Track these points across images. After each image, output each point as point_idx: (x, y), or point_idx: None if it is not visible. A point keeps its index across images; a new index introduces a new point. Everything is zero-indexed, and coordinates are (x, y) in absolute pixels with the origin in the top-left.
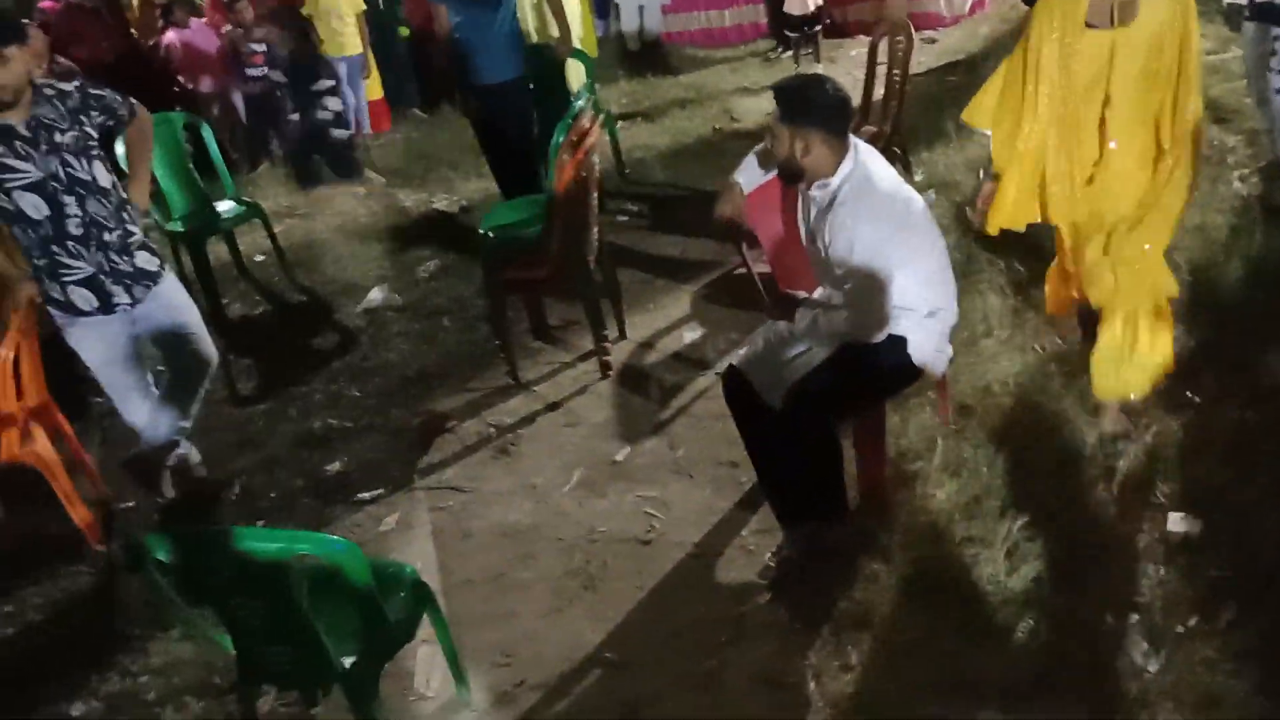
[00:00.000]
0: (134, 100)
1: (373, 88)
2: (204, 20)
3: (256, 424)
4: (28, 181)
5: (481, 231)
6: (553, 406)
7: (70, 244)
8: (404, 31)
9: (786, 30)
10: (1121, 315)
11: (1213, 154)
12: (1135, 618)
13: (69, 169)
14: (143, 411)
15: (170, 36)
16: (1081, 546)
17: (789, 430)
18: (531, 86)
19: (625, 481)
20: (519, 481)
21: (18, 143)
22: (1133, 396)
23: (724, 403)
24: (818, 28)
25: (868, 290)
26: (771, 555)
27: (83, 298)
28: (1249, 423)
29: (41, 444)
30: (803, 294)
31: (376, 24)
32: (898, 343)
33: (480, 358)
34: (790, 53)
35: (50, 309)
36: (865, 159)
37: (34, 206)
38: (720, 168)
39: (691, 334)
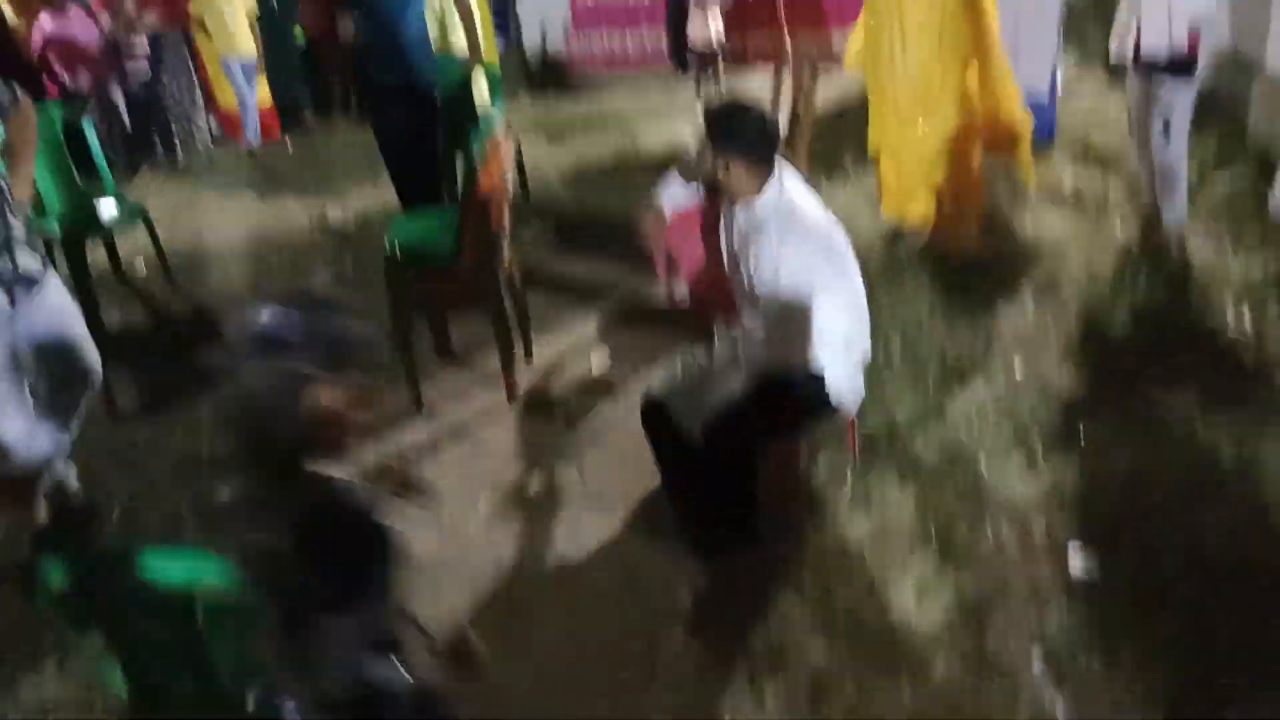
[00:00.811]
0: (17, 86)
1: (261, 96)
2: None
3: (138, 444)
4: None
5: (387, 242)
6: (459, 433)
7: None
8: (299, 36)
9: (689, 54)
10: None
11: (1096, 199)
12: (1041, 659)
13: None
14: (17, 425)
15: (45, 24)
16: (987, 584)
17: (707, 460)
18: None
19: (535, 511)
20: (424, 512)
21: None
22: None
23: (634, 431)
24: (719, 53)
25: (789, 315)
26: (685, 587)
27: None
28: (1142, 461)
29: None
30: (720, 322)
31: (270, 29)
32: (815, 376)
33: (381, 379)
34: (684, 74)
35: None
36: (790, 184)
37: None
38: (625, 189)
39: (599, 358)
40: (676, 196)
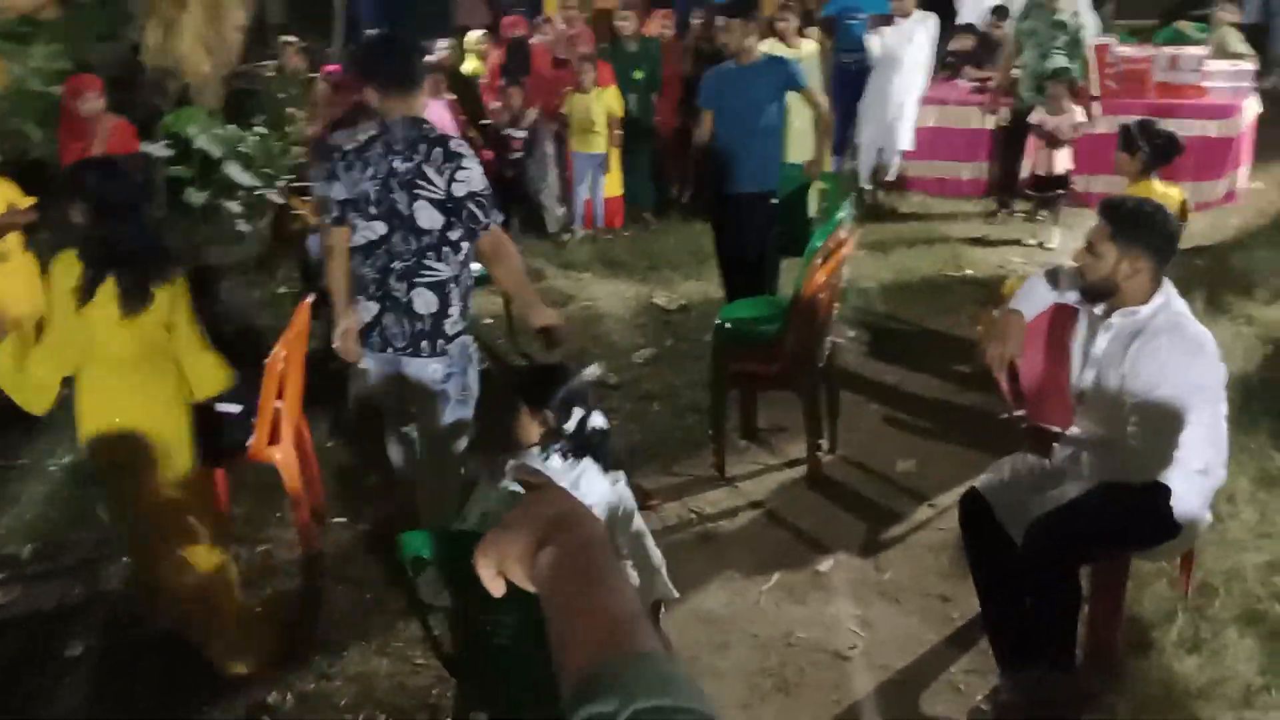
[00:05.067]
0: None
1: (613, 185)
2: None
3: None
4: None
5: (718, 322)
6: (756, 505)
7: None
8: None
9: (1030, 190)
10: None
11: None
12: None
13: None
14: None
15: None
16: None
17: (1028, 567)
18: (775, 201)
19: (826, 593)
20: (717, 571)
21: None
22: None
23: (939, 535)
24: (1061, 191)
25: (1159, 426)
26: (984, 698)
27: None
28: None
29: (286, 448)
30: (1058, 429)
31: (632, 133)
32: (1162, 492)
33: (686, 446)
34: (1006, 212)
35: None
36: (1176, 296)
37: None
38: (945, 308)
39: (905, 462)
40: (1040, 299)
